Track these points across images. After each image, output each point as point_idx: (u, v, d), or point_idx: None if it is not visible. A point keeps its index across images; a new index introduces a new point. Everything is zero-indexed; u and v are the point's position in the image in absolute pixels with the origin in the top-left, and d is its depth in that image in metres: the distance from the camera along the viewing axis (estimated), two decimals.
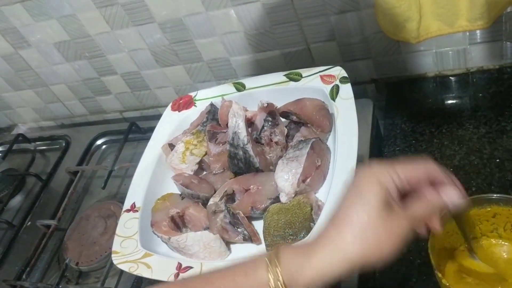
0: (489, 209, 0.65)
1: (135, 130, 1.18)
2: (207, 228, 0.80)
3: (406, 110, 0.98)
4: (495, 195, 0.63)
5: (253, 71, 1.09)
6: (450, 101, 0.98)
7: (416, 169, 0.51)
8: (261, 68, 1.08)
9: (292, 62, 1.05)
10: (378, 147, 0.93)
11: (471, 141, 0.88)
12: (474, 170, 0.84)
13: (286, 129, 0.85)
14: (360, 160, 0.75)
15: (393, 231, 0.47)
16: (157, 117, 1.00)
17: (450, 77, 1.00)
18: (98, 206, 1.09)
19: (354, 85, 0.84)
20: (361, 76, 1.04)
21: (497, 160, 0.83)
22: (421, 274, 0.76)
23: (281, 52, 1.03)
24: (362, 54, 1.00)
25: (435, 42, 0.95)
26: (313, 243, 0.50)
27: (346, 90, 0.82)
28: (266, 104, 0.84)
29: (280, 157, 0.82)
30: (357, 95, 0.83)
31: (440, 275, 0.60)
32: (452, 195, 0.51)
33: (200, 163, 0.91)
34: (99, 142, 1.26)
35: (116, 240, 0.82)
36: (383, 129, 0.98)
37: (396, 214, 0.47)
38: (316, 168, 0.78)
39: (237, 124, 0.81)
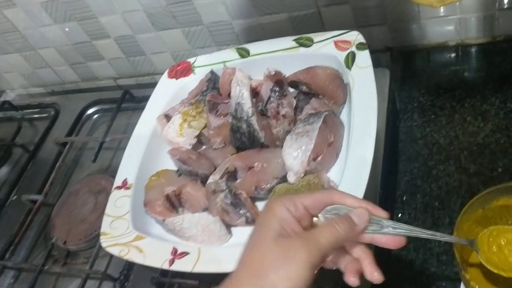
0: None
1: (129, 99, 1.10)
2: (206, 209, 0.74)
3: (424, 82, 0.92)
4: None
5: (257, 36, 1.01)
6: (473, 73, 0.91)
7: (314, 196, 0.51)
8: (265, 33, 1.00)
9: (300, 27, 0.97)
10: (393, 122, 0.86)
11: (497, 117, 0.82)
12: (500, 149, 0.78)
13: (294, 101, 0.78)
14: (376, 136, 0.67)
15: (289, 256, 0.45)
16: (153, 85, 0.94)
17: (474, 46, 0.93)
18: (88, 180, 1.02)
19: None
20: (375, 44, 0.96)
21: None
22: (440, 264, 0.71)
23: (288, 16, 0.96)
24: (378, 19, 0.93)
25: (459, 7, 0.87)
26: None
27: (364, 57, 0.74)
28: (273, 72, 0.77)
29: (288, 131, 0.75)
30: None
31: (468, 276, 0.54)
32: (360, 216, 0.50)
33: (199, 137, 0.85)
34: (90, 111, 1.18)
35: (106, 220, 0.76)
36: (398, 103, 0.91)
37: (292, 241, 0.47)
38: (329, 145, 0.70)
39: (241, 94, 0.74)
